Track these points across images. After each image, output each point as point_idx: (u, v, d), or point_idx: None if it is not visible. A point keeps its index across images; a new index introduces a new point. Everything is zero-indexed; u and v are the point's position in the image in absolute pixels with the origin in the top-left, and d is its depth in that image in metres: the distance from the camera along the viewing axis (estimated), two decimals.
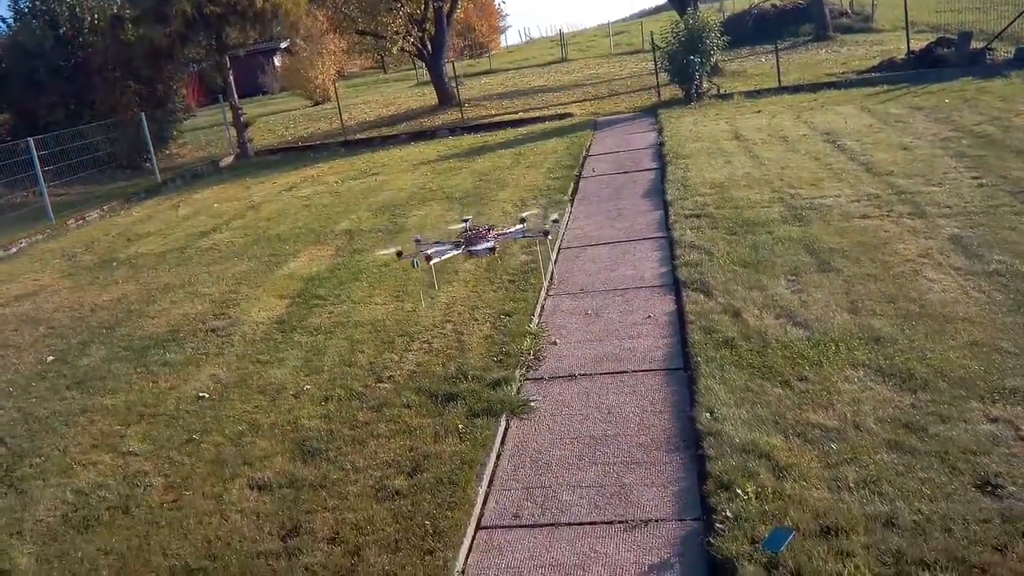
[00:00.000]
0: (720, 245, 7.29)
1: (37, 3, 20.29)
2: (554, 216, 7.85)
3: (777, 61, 18.72)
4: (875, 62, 18.57)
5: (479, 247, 6.91)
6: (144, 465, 4.88)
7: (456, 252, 6.95)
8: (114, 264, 10.30)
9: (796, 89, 16.92)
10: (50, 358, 6.99)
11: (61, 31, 19.92)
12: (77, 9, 20.26)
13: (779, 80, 17.92)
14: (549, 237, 7.36)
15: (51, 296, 9.14)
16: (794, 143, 11.48)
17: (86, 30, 20.23)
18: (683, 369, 5.22)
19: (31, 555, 4.13)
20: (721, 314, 5.79)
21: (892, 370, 4.68)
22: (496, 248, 7.06)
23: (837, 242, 6.94)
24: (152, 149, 18.30)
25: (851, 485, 3.69)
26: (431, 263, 6.59)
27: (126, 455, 5.05)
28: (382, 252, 8.19)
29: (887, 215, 7.53)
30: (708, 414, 4.46)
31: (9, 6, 20.96)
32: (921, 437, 4.00)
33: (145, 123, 17.94)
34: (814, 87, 16.82)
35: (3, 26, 21.24)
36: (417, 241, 7.33)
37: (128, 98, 20.13)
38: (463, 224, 7.54)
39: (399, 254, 7.09)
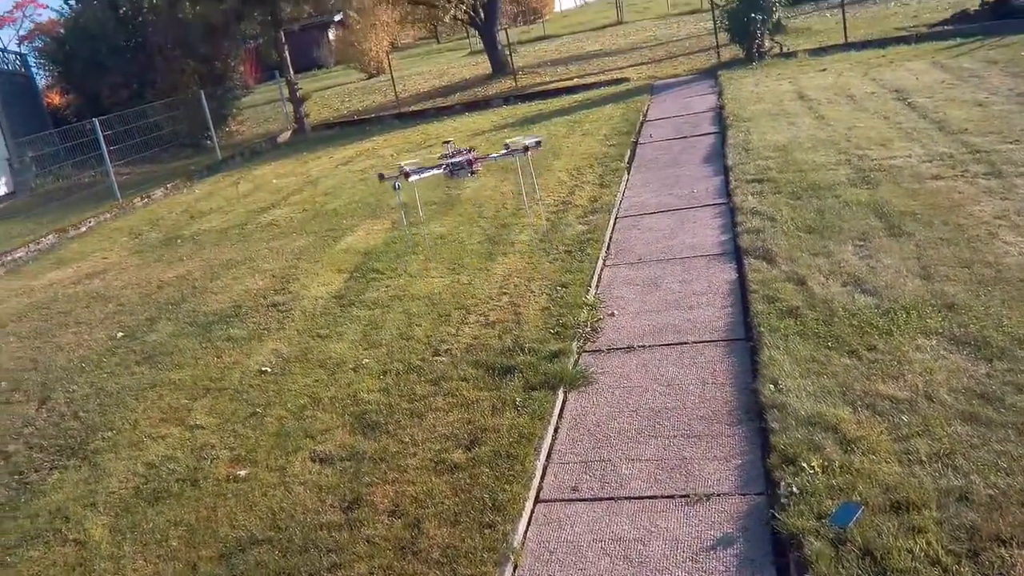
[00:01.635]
0: (783, 210, 7.07)
1: None
2: (537, 138, 7.70)
3: (843, 16, 17.99)
4: (947, 14, 17.70)
5: (459, 169, 6.92)
6: (211, 438, 5.00)
7: (437, 172, 6.97)
8: (178, 241, 10.54)
9: (863, 45, 16.26)
10: (120, 334, 7.20)
11: (121, 11, 20.31)
12: None
13: (845, 36, 17.24)
14: (530, 153, 7.26)
15: (119, 274, 9.41)
16: (861, 102, 11.04)
17: (145, 9, 20.60)
18: (745, 340, 5.09)
19: (104, 526, 4.27)
20: (785, 282, 5.61)
21: (966, 338, 4.47)
22: (476, 170, 7.05)
23: (908, 205, 6.65)
24: (212, 127, 18.61)
25: (923, 459, 3.55)
26: (410, 180, 6.63)
27: (193, 428, 5.17)
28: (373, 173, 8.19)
29: (961, 175, 7.18)
30: (772, 386, 4.34)
31: None
32: (997, 408, 3.82)
33: (205, 101, 18.23)
34: (882, 42, 16.13)
35: (66, 8, 21.74)
36: (400, 166, 7.29)
37: (188, 76, 20.49)
38: (445, 146, 7.53)
39: (381, 176, 7.12)
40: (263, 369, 5.87)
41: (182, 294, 8.07)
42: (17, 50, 28.93)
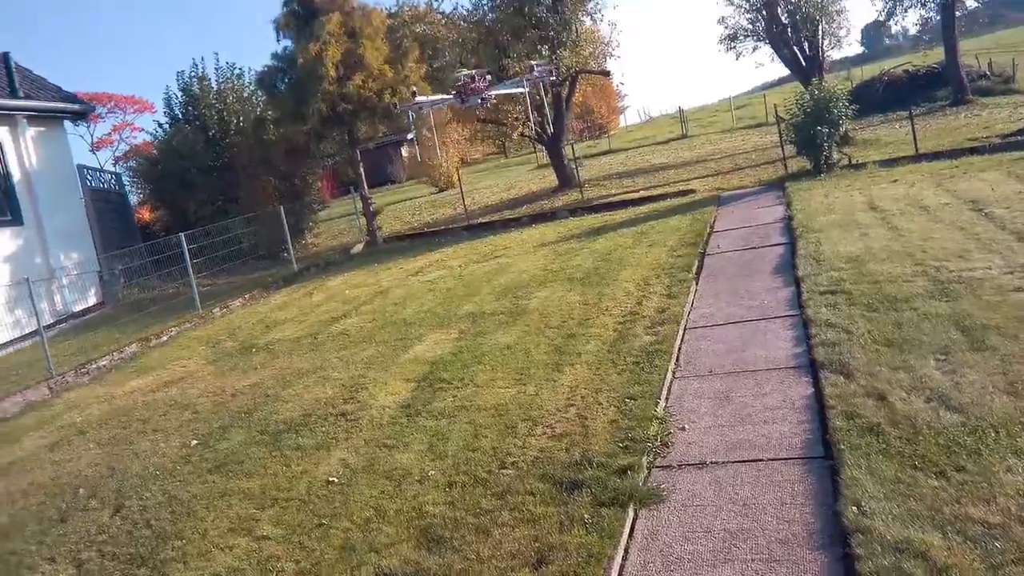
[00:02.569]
0: (859, 323, 6.89)
1: (190, 109, 22.25)
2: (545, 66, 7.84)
3: (912, 127, 18.01)
4: (1020, 125, 17.55)
5: (471, 96, 7.11)
6: (277, 549, 4.96)
7: (450, 100, 7.14)
8: (253, 350, 10.83)
9: (935, 156, 16.17)
10: (194, 442, 7.33)
11: (210, 134, 21.71)
12: (225, 114, 22.09)
13: (915, 147, 17.20)
14: (541, 81, 7.43)
15: (196, 382, 9.67)
16: (936, 213, 10.88)
17: (232, 132, 21.97)
18: (824, 458, 4.87)
19: None
20: (864, 397, 5.41)
21: None
22: (488, 100, 7.26)
23: (990, 317, 6.42)
24: (290, 240, 19.40)
25: None
26: (421, 110, 6.85)
27: (260, 539, 5.15)
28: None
29: None
30: (855, 508, 4.12)
31: (165, 113, 23.06)
32: None
33: (284, 216, 19.08)
34: (954, 153, 16.02)
35: (160, 132, 23.34)
36: (413, 94, 7.42)
37: (269, 193, 21.57)
38: (460, 74, 7.69)
39: (394, 106, 7.32)
40: (330, 479, 5.86)
41: (254, 402, 8.22)
42: (113, 169, 31.04)
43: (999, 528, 3.74)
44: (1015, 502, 3.91)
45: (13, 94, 16.02)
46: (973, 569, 3.48)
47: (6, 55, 16.92)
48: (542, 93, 23.37)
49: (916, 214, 11.03)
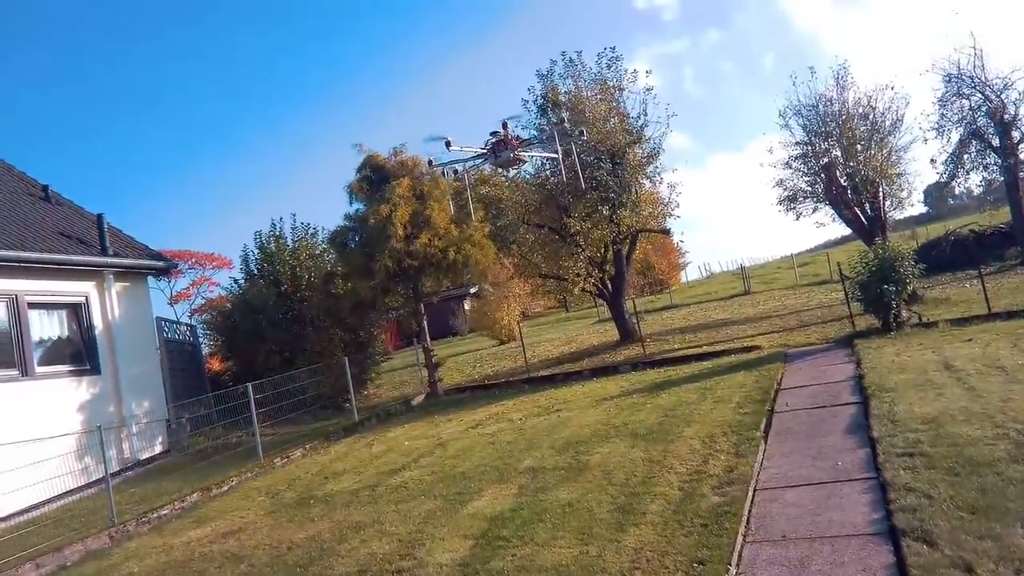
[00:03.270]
0: (940, 488, 6.53)
1: (265, 266, 23.34)
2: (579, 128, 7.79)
3: (983, 286, 17.69)
4: None
5: (503, 152, 7.11)
6: None
7: (484, 154, 7.11)
8: (311, 501, 10.75)
9: (1009, 315, 15.75)
10: None
11: (282, 288, 22.62)
12: (297, 270, 23.08)
13: (988, 306, 16.81)
14: (573, 139, 7.34)
15: (253, 533, 9.58)
16: (1014, 373, 10.47)
17: (303, 287, 22.86)
18: None
19: None
20: (950, 568, 5.05)
21: None
22: (519, 162, 7.24)
23: None
24: (352, 390, 19.62)
25: None
26: (458, 173, 6.81)
27: None
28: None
29: None
30: None
31: (241, 268, 24.24)
32: None
33: (348, 367, 19.42)
34: None
35: (235, 286, 24.41)
36: (447, 144, 7.38)
37: (334, 344, 22.09)
38: (490, 137, 7.70)
39: (430, 163, 7.29)
40: None
41: (310, 556, 8.07)
42: (189, 321, 32.38)
43: None
44: None
45: (103, 252, 17.13)
46: None
47: (100, 217, 18.22)
48: (603, 250, 23.92)
49: (993, 374, 10.64)
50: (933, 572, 5.04)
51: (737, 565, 5.97)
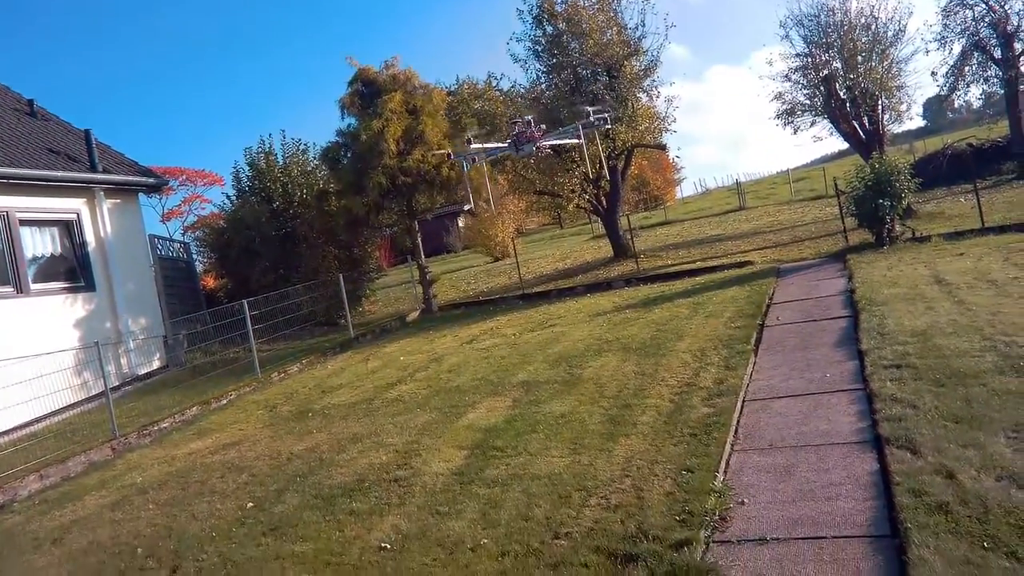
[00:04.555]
0: (926, 398, 6.67)
1: (256, 182, 23.09)
2: (604, 115, 7.98)
3: (978, 200, 17.68)
4: None
5: (525, 143, 7.33)
6: None
7: (504, 148, 7.28)
8: (309, 414, 10.94)
9: (1002, 229, 15.80)
10: (250, 504, 7.38)
11: (275, 205, 22.46)
12: (289, 186, 22.86)
13: (982, 221, 16.85)
14: (596, 127, 7.54)
15: (253, 445, 9.78)
16: (1005, 287, 10.56)
17: (295, 204, 22.70)
18: (890, 536, 4.67)
19: None
20: (932, 475, 5.20)
21: None
22: (542, 149, 7.51)
23: None
24: (347, 307, 19.74)
25: None
26: (476, 163, 7.01)
27: None
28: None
29: None
30: None
31: (233, 186, 23.98)
32: None
33: (342, 284, 19.48)
34: (1022, 227, 15.62)
35: (228, 203, 24.20)
36: (468, 141, 7.53)
37: (329, 262, 22.09)
38: (515, 124, 7.88)
39: (449, 156, 7.46)
40: (383, 545, 5.82)
41: (310, 466, 8.27)
42: (182, 239, 32.24)
43: None
44: None
45: (93, 169, 16.88)
46: None
47: (87, 132, 17.89)
48: (598, 165, 23.69)
49: (983, 288, 10.73)
50: (915, 478, 5.19)
51: (725, 472, 6.14)
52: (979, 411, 6.17)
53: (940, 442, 5.70)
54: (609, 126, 19.62)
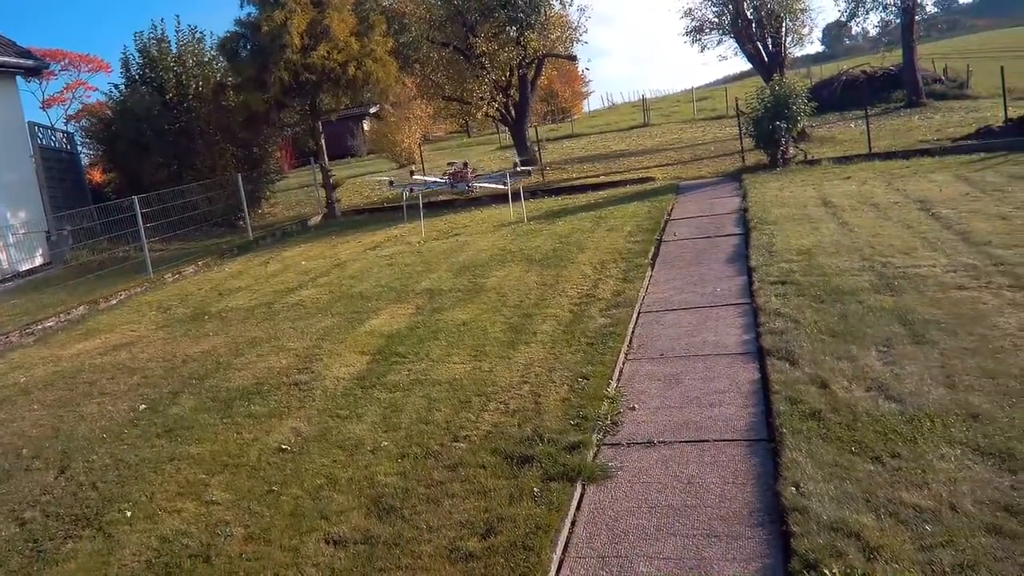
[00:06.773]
0: (806, 313, 7.10)
1: (147, 71, 21.69)
2: (528, 169, 8.78)
3: (867, 127, 18.43)
4: (971, 129, 18.09)
5: (459, 183, 7.96)
6: (225, 514, 4.97)
7: (442, 184, 7.74)
8: (206, 317, 10.71)
9: (887, 156, 16.58)
10: (142, 406, 7.26)
11: (167, 97, 21.23)
12: (183, 77, 21.60)
13: (869, 146, 17.61)
14: (523, 180, 8.02)
15: (146, 347, 9.54)
16: (885, 210, 11.19)
17: (190, 96, 21.52)
18: (767, 440, 5.04)
19: None
20: (808, 384, 5.60)
21: (991, 449, 4.42)
22: (473, 188, 8.28)
23: (932, 313, 6.67)
24: (246, 208, 19.14)
25: (946, 569, 3.47)
26: (414, 192, 7.45)
27: (209, 504, 5.15)
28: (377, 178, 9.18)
29: (985, 287, 7.21)
30: (793, 488, 4.28)
31: (122, 74, 22.37)
32: (1022, 520, 3.74)
33: (241, 184, 18.80)
34: (906, 154, 16.45)
35: (116, 92, 22.67)
36: (412, 172, 7.84)
37: (226, 160, 21.23)
38: (450, 166, 8.40)
39: (391, 183, 7.66)
40: (282, 447, 5.87)
41: (206, 369, 8.16)
42: (64, 128, 30.11)
43: (930, 512, 3.92)
44: (946, 488, 4.10)
45: None
46: (903, 550, 3.64)
47: None
48: (508, 74, 23.33)
49: (866, 211, 11.33)
50: (792, 387, 5.57)
51: (618, 380, 6.43)
52: (854, 327, 6.63)
53: (817, 355, 6.12)
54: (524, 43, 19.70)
